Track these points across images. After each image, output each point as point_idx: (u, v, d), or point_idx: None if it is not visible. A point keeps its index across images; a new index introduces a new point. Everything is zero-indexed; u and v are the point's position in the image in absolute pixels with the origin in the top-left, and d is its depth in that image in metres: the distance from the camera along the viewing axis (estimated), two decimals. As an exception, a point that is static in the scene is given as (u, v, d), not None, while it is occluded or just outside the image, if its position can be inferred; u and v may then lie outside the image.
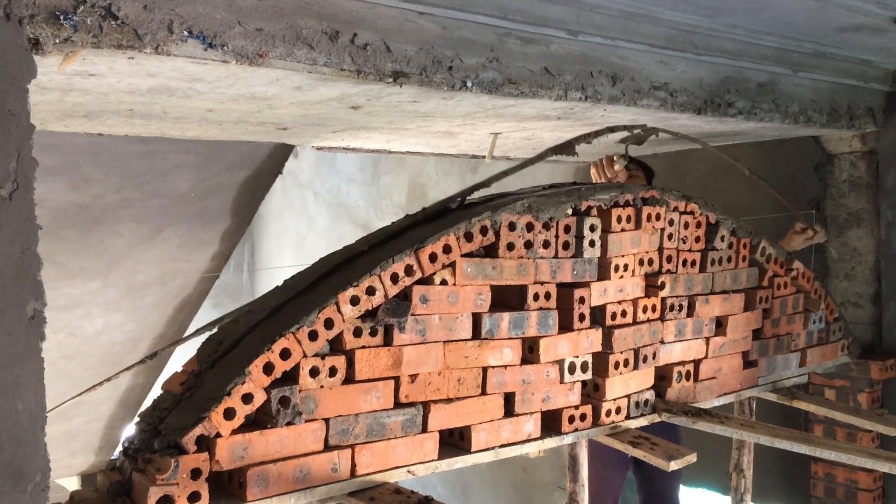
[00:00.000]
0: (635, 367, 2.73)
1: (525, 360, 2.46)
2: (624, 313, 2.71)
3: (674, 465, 2.50)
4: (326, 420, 2.03)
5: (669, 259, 2.85)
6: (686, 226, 2.89)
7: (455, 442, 2.35)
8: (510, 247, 2.39)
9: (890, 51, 3.33)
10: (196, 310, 4.86)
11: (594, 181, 3.39)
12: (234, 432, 1.86)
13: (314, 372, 2.00)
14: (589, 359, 2.60)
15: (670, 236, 2.84)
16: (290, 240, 8.68)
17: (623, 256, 2.69)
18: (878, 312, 3.89)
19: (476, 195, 2.51)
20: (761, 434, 2.72)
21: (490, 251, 2.37)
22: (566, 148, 2.74)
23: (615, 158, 3.27)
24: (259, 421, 1.94)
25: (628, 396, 2.72)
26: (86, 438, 5.37)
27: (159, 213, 3.97)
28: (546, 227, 2.48)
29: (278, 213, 8.92)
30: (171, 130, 3.15)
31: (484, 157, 4.15)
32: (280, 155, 3.90)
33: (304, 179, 8.32)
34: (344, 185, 7.79)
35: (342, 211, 7.83)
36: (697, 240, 2.94)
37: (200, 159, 3.67)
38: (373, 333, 2.11)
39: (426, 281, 2.22)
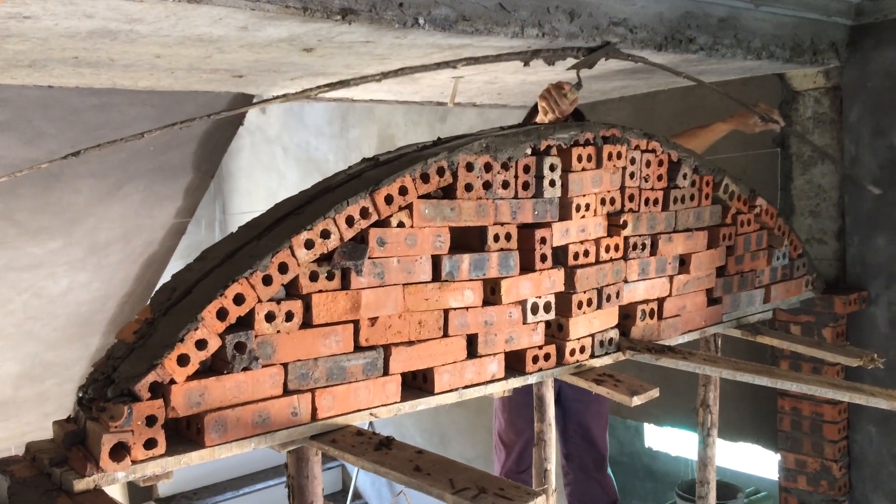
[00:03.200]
0: (599, 307, 2.74)
1: (487, 302, 2.45)
2: (586, 253, 2.70)
3: (636, 401, 2.52)
4: (285, 365, 2.01)
5: (632, 198, 2.83)
6: (648, 164, 2.87)
7: (419, 384, 2.35)
8: (468, 187, 2.36)
9: (851, -17, 3.30)
10: (164, 267, 4.81)
11: (542, 116, 3.02)
12: (190, 379, 1.85)
13: (270, 317, 1.98)
14: (552, 299, 2.60)
15: (632, 175, 2.82)
16: (261, 196, 8.59)
17: (584, 196, 2.67)
18: (843, 248, 3.93)
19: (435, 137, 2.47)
20: (723, 368, 2.75)
21: (448, 192, 2.35)
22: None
23: (567, 89, 2.90)
24: (215, 367, 1.92)
25: (592, 336, 2.73)
26: (59, 400, 5.34)
27: (118, 168, 3.89)
28: (505, 167, 2.45)
29: (248, 170, 8.81)
30: (122, 80, 3.07)
31: (447, 103, 4.09)
32: (240, 105, 3.83)
33: (272, 135, 8.20)
34: (313, 139, 7.69)
35: (312, 165, 7.74)
36: (660, 178, 2.93)
37: (157, 111, 3.59)
38: (329, 277, 2.09)
39: (383, 223, 2.19)
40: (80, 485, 1.69)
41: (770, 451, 4.43)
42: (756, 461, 5.60)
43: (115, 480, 1.73)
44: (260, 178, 8.61)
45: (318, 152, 7.64)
